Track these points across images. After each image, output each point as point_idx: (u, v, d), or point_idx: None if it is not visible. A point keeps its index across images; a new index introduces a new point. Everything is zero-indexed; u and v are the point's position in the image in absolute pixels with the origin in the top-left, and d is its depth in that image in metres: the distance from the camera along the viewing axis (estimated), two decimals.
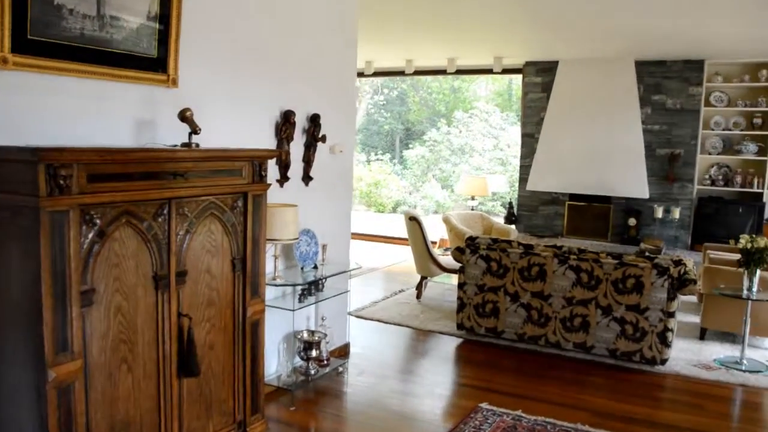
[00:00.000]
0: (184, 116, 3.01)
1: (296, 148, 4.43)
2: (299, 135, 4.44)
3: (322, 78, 4.67)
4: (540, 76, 9.13)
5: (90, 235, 2.39)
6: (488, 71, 9.49)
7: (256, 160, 3.20)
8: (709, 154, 8.43)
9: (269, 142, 4.17)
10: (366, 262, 9.01)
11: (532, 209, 9.34)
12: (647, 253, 7.77)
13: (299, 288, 4.33)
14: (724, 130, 8.37)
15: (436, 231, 9.44)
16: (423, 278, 7.02)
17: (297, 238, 4.10)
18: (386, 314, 6.39)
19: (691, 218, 8.43)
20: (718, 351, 5.43)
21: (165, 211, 2.70)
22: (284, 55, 4.25)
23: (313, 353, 4.47)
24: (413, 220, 6.78)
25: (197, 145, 3.05)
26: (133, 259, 2.60)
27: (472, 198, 9.85)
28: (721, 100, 8.34)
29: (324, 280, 4.59)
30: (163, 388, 2.81)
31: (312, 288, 4.49)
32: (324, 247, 4.60)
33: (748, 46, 7.42)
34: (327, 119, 4.64)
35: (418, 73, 10.01)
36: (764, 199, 8.08)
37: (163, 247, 2.71)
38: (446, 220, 8.23)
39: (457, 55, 9.09)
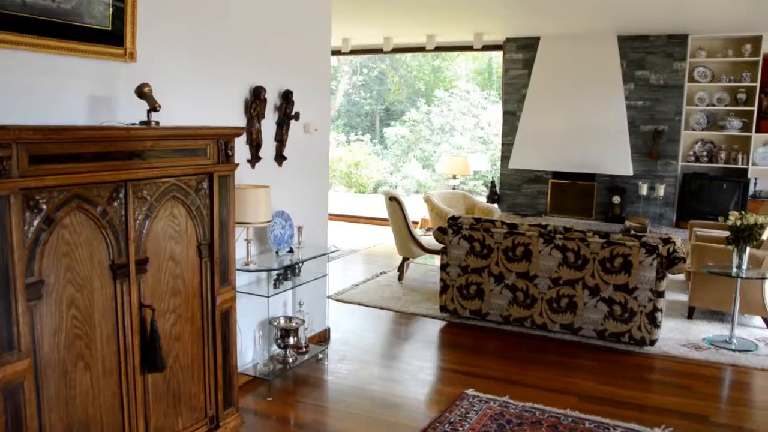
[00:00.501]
0: (142, 92, 2.77)
1: (268, 127, 4.21)
2: (271, 113, 4.21)
3: (295, 53, 4.43)
4: (521, 53, 8.93)
5: (35, 223, 2.17)
6: (468, 48, 9.27)
7: (221, 139, 2.98)
8: (693, 130, 8.32)
9: (238, 121, 3.94)
10: (346, 244, 8.83)
11: (514, 188, 9.19)
12: (632, 231, 7.70)
13: (274, 273, 4.13)
14: (708, 105, 8.25)
15: (417, 211, 9.27)
16: (405, 259, 6.85)
17: (270, 221, 3.89)
18: (367, 297, 6.21)
19: (675, 195, 8.33)
20: (707, 330, 5.33)
21: (121, 195, 2.48)
22: (254, 29, 4.01)
23: (291, 340, 4.29)
24: (393, 200, 6.59)
25: (157, 123, 2.82)
26: (87, 247, 2.38)
27: (454, 177, 9.67)
28: (705, 76, 8.21)
29: (301, 264, 4.40)
30: (126, 384, 2.61)
31: (288, 273, 4.30)
32: (300, 229, 4.40)
33: (732, 20, 7.28)
34: (300, 96, 4.42)
35: (397, 50, 9.76)
36: (749, 175, 7.99)
37: (121, 234, 2.49)
38: (427, 200, 8.04)
39: (436, 32, 8.86)
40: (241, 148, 3.98)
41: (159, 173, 2.63)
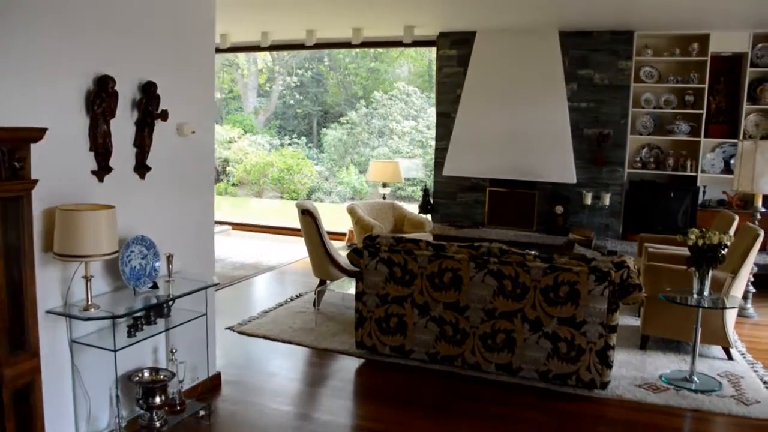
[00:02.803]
0: None
1: (123, 130, 3.27)
2: (126, 111, 3.28)
3: (163, 35, 3.50)
4: (455, 48, 8.17)
5: None
6: (398, 44, 8.45)
7: (2, 146, 2.04)
8: (640, 134, 7.71)
9: (76, 121, 2.99)
10: (266, 260, 7.89)
11: (449, 197, 8.41)
12: (576, 245, 7.02)
13: (131, 317, 3.19)
14: (654, 108, 7.65)
15: (347, 222, 8.39)
16: (322, 282, 5.96)
17: (116, 252, 2.95)
18: (275, 328, 5.30)
19: (622, 205, 7.70)
20: (663, 363, 4.62)
21: None
22: None
23: (157, 399, 3.35)
24: (306, 214, 5.69)
25: None
26: None
27: (384, 185, 8.84)
28: (651, 76, 7.62)
29: (171, 303, 3.47)
30: None
31: (152, 315, 3.36)
32: (170, 258, 3.47)
33: (678, 16, 6.68)
34: (170, 90, 3.50)
35: (320, 46, 8.88)
36: (698, 183, 7.42)
37: None
38: (351, 211, 7.19)
39: (362, 25, 8.02)
40: (82, 157, 3.04)
41: None
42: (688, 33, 7.35)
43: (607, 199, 7.53)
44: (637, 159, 7.73)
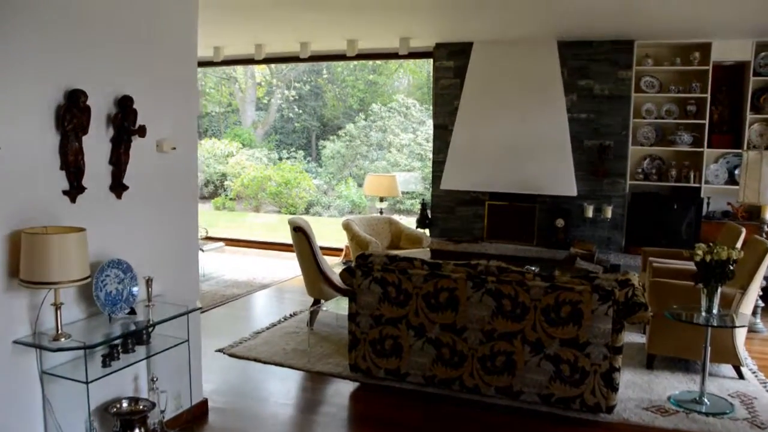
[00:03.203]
0: None
1: (97, 147, 3.10)
2: (101, 127, 3.11)
3: (139, 45, 3.33)
4: (452, 60, 8.02)
5: None
6: (394, 55, 8.31)
7: None
8: (642, 145, 7.54)
9: (44, 137, 2.82)
10: (260, 278, 7.71)
11: (448, 210, 8.24)
12: (578, 258, 6.83)
13: (106, 346, 3.01)
14: (656, 118, 7.49)
15: (344, 238, 8.21)
16: (316, 301, 5.78)
17: (87, 278, 2.77)
18: (267, 350, 5.11)
19: (624, 217, 7.52)
20: (671, 384, 4.43)
21: None
22: (76, 7, 2.91)
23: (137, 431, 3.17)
24: (299, 231, 5.52)
25: None
26: None
27: (381, 200, 8.67)
28: (652, 86, 7.46)
29: (151, 329, 3.28)
30: None
31: (129, 342, 3.17)
32: (149, 281, 3.29)
33: (679, 25, 6.54)
34: (149, 104, 3.35)
35: (315, 58, 8.75)
36: (702, 194, 7.24)
37: None
38: (347, 227, 7.01)
39: (357, 37, 7.88)
40: (52, 176, 2.87)
41: None
42: (689, 42, 7.20)
43: (609, 212, 7.35)
44: (639, 170, 7.56)
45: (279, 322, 5.91)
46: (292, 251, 9.55)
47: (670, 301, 4.43)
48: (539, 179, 7.44)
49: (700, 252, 3.92)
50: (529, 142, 7.48)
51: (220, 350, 5.14)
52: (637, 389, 4.32)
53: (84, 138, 2.95)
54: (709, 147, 7.25)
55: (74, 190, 2.95)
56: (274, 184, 16.78)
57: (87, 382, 2.80)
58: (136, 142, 3.29)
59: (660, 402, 4.12)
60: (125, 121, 3.17)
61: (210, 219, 16.01)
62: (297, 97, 19.71)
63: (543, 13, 6.28)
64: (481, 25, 6.99)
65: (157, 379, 3.41)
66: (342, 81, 19.84)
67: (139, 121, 3.26)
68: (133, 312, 3.21)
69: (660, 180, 7.48)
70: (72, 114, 2.86)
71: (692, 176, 7.29)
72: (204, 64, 9.92)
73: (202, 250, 7.75)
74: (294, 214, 16.89)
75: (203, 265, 7.93)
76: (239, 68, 19.73)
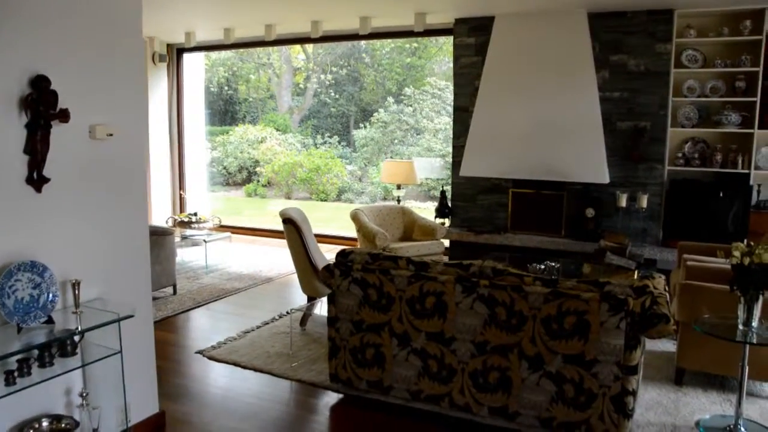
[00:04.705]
0: None
1: (8, 133, 2.66)
2: (11, 110, 2.66)
3: (62, 14, 2.86)
4: (473, 36, 7.38)
5: None
6: (409, 33, 7.71)
7: None
8: (682, 127, 6.78)
9: None
10: (265, 270, 7.28)
11: (468, 199, 7.63)
12: (608, 252, 6.17)
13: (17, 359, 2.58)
14: (699, 96, 6.71)
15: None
16: (311, 299, 5.30)
17: None
18: (250, 353, 4.66)
19: (661, 207, 6.79)
20: (701, 405, 3.79)
21: None
22: None
23: None
24: (289, 224, 5.03)
25: None
26: None
27: (398, 187, 8.13)
28: (695, 60, 6.68)
29: (79, 339, 2.85)
30: None
31: (47, 355, 2.74)
32: (75, 285, 2.85)
33: None
34: (77, 85, 2.93)
35: (327, 38, 8.23)
36: (751, 182, 6.46)
37: None
38: (354, 217, 6.51)
39: (370, 14, 7.31)
40: None
41: None
42: (739, 9, 6.37)
43: (644, 201, 6.64)
44: (679, 155, 6.80)
45: (272, 320, 5.47)
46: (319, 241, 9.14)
47: (705, 308, 3.78)
48: (567, 165, 6.77)
49: (737, 253, 3.27)
50: (556, 124, 6.80)
51: (199, 352, 4.73)
52: (661, 411, 3.71)
53: None
54: (760, 128, 6.43)
55: None
56: (305, 170, 16.39)
57: None
58: (59, 128, 2.84)
59: (686, 428, 3.51)
60: (40, 105, 2.71)
61: (237, 206, 15.75)
62: (333, 82, 19.30)
63: None
64: None
65: (87, 394, 2.99)
66: (378, 65, 19.31)
67: (65, 104, 2.81)
68: (50, 321, 2.78)
69: (703, 165, 6.71)
70: None
71: (740, 161, 6.49)
72: (214, 47, 9.55)
73: (205, 241, 7.38)
74: (325, 201, 16.48)
75: (208, 257, 7.56)
76: (274, 54, 19.44)
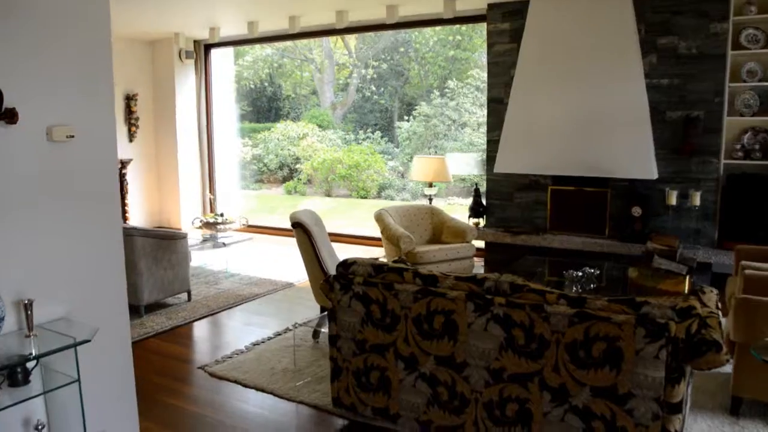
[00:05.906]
0: None
1: None
2: None
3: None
4: (508, 21, 6.86)
5: None
6: (438, 21, 7.25)
7: None
8: (741, 115, 6.11)
9: None
10: (286, 274, 6.94)
11: (504, 197, 7.13)
12: (656, 256, 5.59)
13: None
14: (760, 81, 6.03)
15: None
16: (324, 310, 4.90)
17: None
18: (254, 369, 4.31)
19: (717, 205, 6.15)
20: None
21: None
22: None
23: None
24: (299, 227, 4.65)
25: None
26: None
27: (430, 185, 7.67)
28: (756, 40, 6.00)
29: (33, 366, 2.53)
30: None
31: None
32: (27, 306, 2.52)
33: None
34: (29, 81, 2.56)
35: (352, 30, 7.85)
36: None
37: None
38: (378, 218, 6.09)
39: (397, 1, 6.87)
40: None
41: None
42: None
43: (697, 198, 6.02)
44: (738, 147, 6.13)
45: (285, 331, 5.11)
46: (340, 241, 8.76)
47: (766, 328, 3.23)
48: (611, 160, 6.19)
49: None
50: (598, 115, 6.23)
51: (201, 367, 4.40)
52: None
53: None
54: None
55: None
56: (344, 166, 16.06)
57: None
58: (12, 130, 2.51)
59: None
60: None
61: (273, 204, 15.53)
62: (375, 77, 18.94)
63: None
64: None
65: (43, 427, 2.66)
66: (422, 58, 18.85)
67: (12, 103, 2.48)
68: None
69: (765, 158, 6.03)
70: None
71: None
72: (240, 42, 9.27)
73: (224, 244, 7.08)
74: (365, 198, 16.13)
75: (232, 259, 7.26)
76: (316, 49, 19.21)
